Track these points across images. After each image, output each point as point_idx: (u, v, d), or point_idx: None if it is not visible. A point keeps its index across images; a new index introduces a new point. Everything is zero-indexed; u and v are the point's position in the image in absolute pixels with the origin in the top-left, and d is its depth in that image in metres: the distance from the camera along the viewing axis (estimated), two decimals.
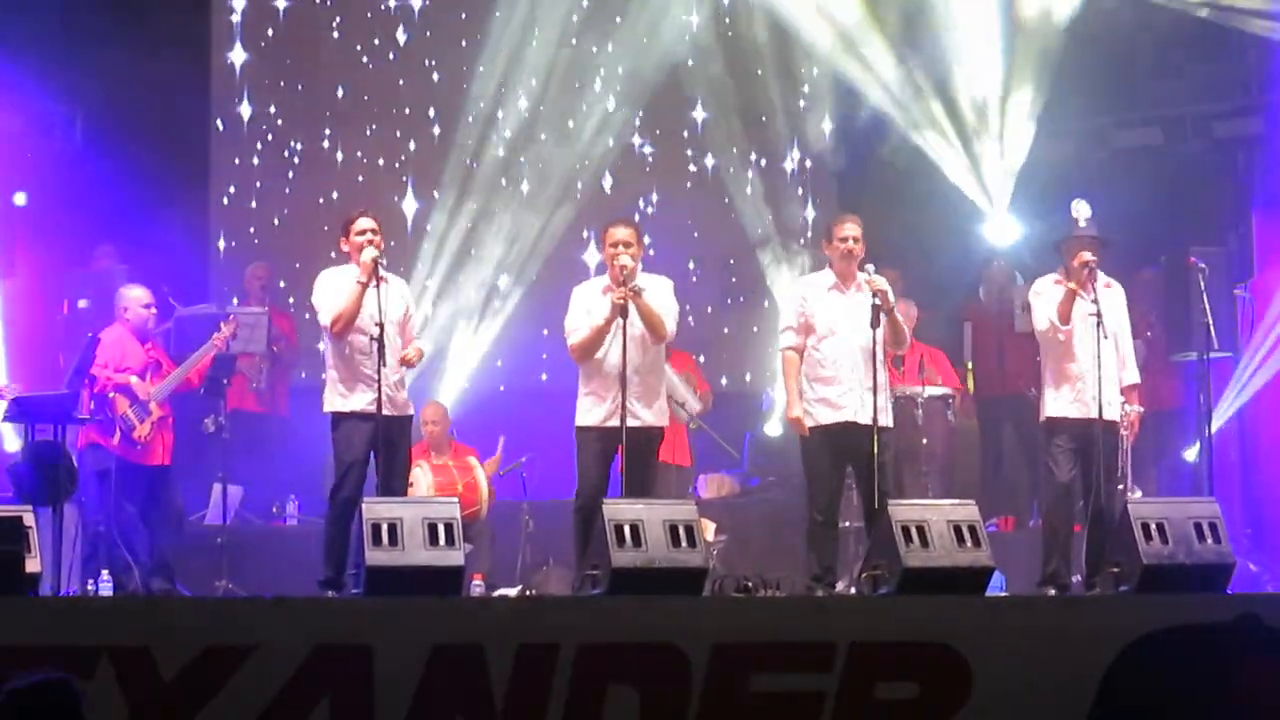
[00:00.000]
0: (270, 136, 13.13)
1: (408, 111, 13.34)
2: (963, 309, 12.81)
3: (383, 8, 13.37)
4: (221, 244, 12.87)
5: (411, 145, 13.31)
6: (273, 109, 13.15)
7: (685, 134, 13.70)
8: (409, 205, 13.14)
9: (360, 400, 8.74)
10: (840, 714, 7.41)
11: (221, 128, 13.13)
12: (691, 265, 13.48)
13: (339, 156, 13.21)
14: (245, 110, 13.11)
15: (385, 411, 8.63)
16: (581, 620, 7.47)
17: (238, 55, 13.09)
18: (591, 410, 8.81)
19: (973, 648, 7.56)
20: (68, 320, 11.43)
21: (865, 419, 8.76)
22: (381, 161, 13.24)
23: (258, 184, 13.14)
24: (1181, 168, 12.60)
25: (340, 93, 13.27)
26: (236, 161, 13.14)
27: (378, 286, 8.75)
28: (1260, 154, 12.25)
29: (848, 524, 9.94)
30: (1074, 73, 12.61)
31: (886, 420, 8.85)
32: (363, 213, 9.04)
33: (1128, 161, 12.74)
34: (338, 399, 8.83)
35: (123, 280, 10.72)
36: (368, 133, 13.29)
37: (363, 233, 8.86)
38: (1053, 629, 7.76)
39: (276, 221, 13.11)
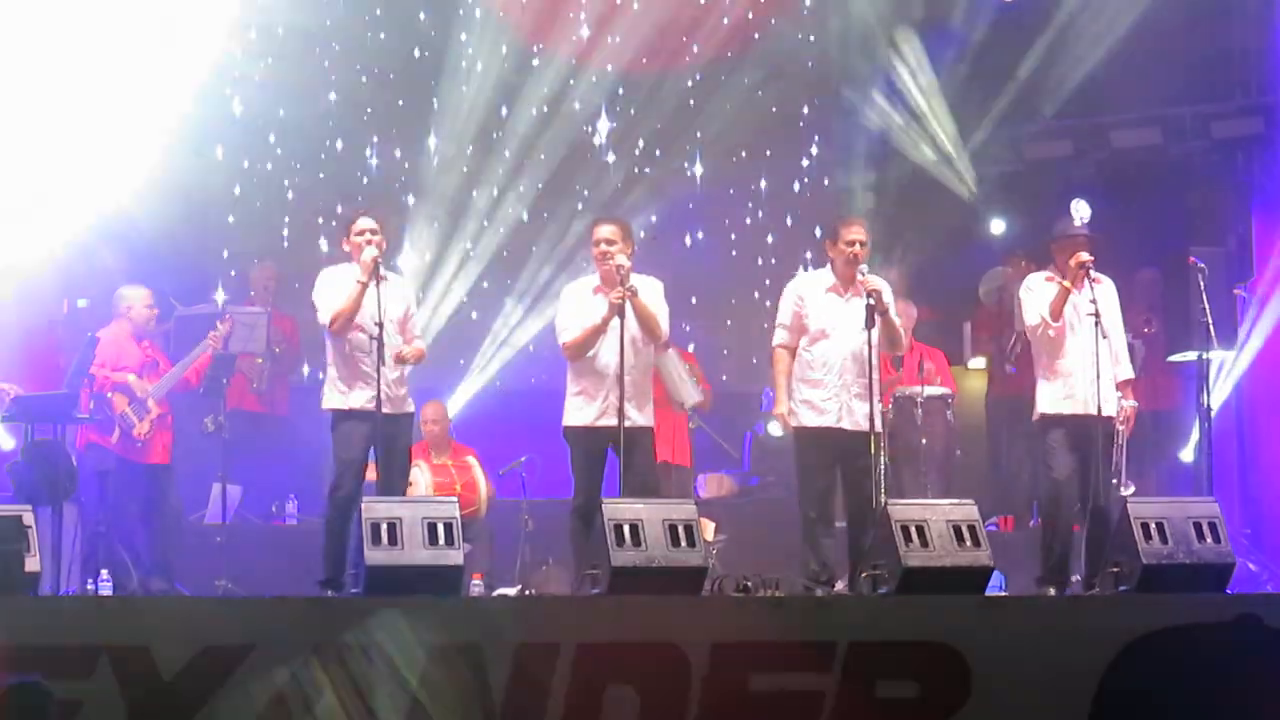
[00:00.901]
0: (269, 166, 13.09)
1: (406, 131, 13.30)
2: (963, 309, 12.84)
3: (381, 35, 13.28)
4: (220, 295, 12.56)
5: (407, 167, 13.27)
6: (272, 138, 13.09)
7: (687, 146, 13.68)
8: (406, 223, 13.07)
9: (359, 398, 8.75)
10: (840, 713, 7.41)
11: (221, 156, 13.09)
12: (691, 265, 13.47)
13: (337, 180, 13.15)
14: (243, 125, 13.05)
15: (384, 410, 8.64)
16: (581, 620, 7.47)
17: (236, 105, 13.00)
18: (581, 410, 8.80)
19: (972, 647, 7.57)
20: (67, 320, 11.42)
21: (849, 425, 8.76)
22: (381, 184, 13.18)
23: (258, 204, 13.11)
24: (1181, 168, 12.60)
25: (338, 114, 13.20)
26: (237, 191, 13.10)
27: (378, 285, 8.76)
28: (1260, 154, 12.25)
29: (841, 524, 9.93)
30: (1073, 72, 12.62)
31: (878, 425, 8.86)
32: (363, 212, 9.06)
33: (1128, 161, 12.74)
34: (337, 397, 8.84)
35: (123, 280, 10.73)
36: (368, 154, 13.25)
37: (361, 233, 8.87)
38: (1053, 629, 7.77)
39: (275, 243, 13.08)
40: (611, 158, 13.47)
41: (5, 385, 9.91)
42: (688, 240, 13.59)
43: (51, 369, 10.93)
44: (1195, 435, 10.86)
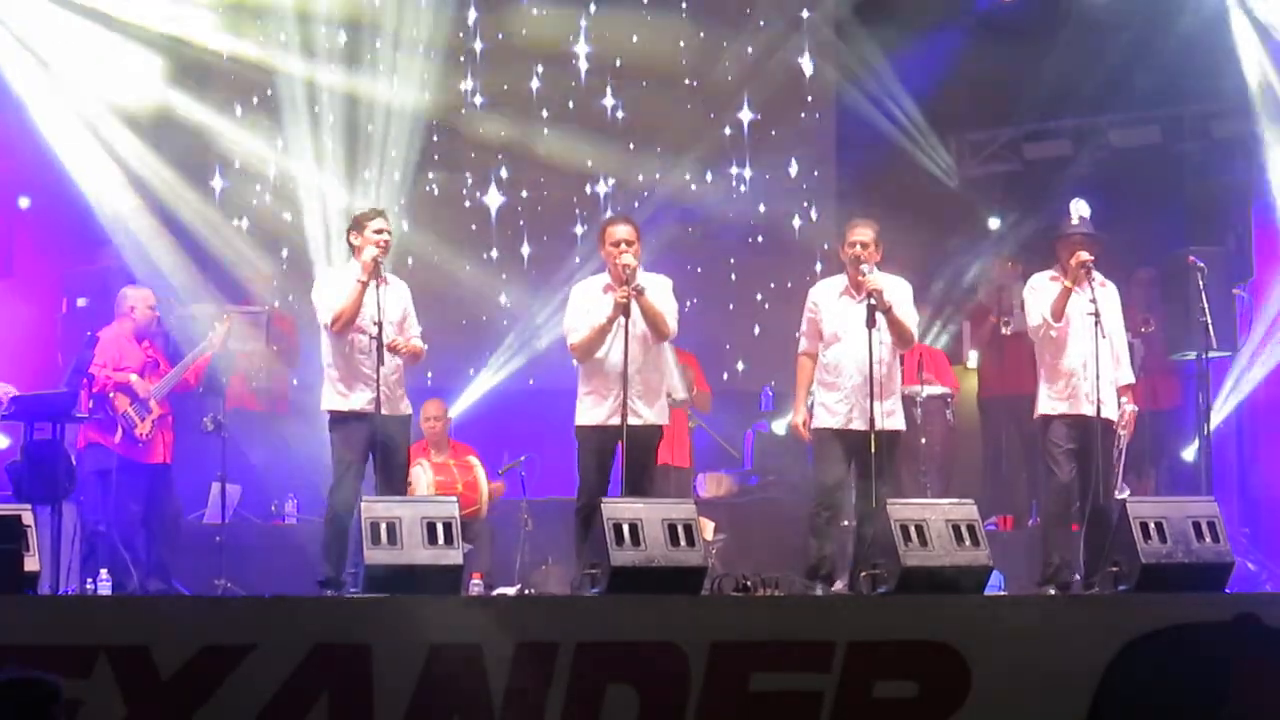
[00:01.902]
0: (269, 199, 13.09)
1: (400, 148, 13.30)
2: (962, 308, 12.83)
3: (377, 44, 13.29)
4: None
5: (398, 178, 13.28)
6: (273, 170, 13.10)
7: (686, 141, 13.70)
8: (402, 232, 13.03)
9: (359, 399, 8.74)
10: (839, 713, 7.41)
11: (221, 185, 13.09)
12: (691, 266, 13.50)
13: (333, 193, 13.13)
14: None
15: (383, 411, 8.64)
16: (580, 619, 7.46)
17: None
18: (592, 409, 8.80)
19: (971, 647, 7.56)
20: (66, 319, 11.43)
21: (862, 426, 8.75)
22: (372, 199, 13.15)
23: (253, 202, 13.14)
24: (1181, 168, 12.60)
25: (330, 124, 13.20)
26: (236, 224, 13.09)
27: (378, 287, 8.76)
28: (1259, 154, 12.24)
29: (848, 523, 9.94)
30: (1073, 72, 12.62)
31: (897, 424, 8.87)
32: (379, 212, 9.00)
33: (1127, 161, 12.74)
34: (336, 398, 8.83)
35: (124, 279, 10.73)
36: (365, 175, 13.24)
37: (380, 231, 8.83)
38: (1052, 628, 7.77)
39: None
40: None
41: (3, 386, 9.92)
42: (689, 222, 13.63)
43: (51, 369, 10.95)
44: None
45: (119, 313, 10.28)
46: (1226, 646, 7.70)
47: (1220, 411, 11.48)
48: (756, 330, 13.52)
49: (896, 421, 8.90)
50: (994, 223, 13.26)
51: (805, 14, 13.68)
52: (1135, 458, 10.47)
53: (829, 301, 9.01)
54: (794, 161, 13.77)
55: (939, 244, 13.20)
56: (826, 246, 13.15)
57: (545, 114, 13.43)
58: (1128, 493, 9.85)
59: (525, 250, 13.40)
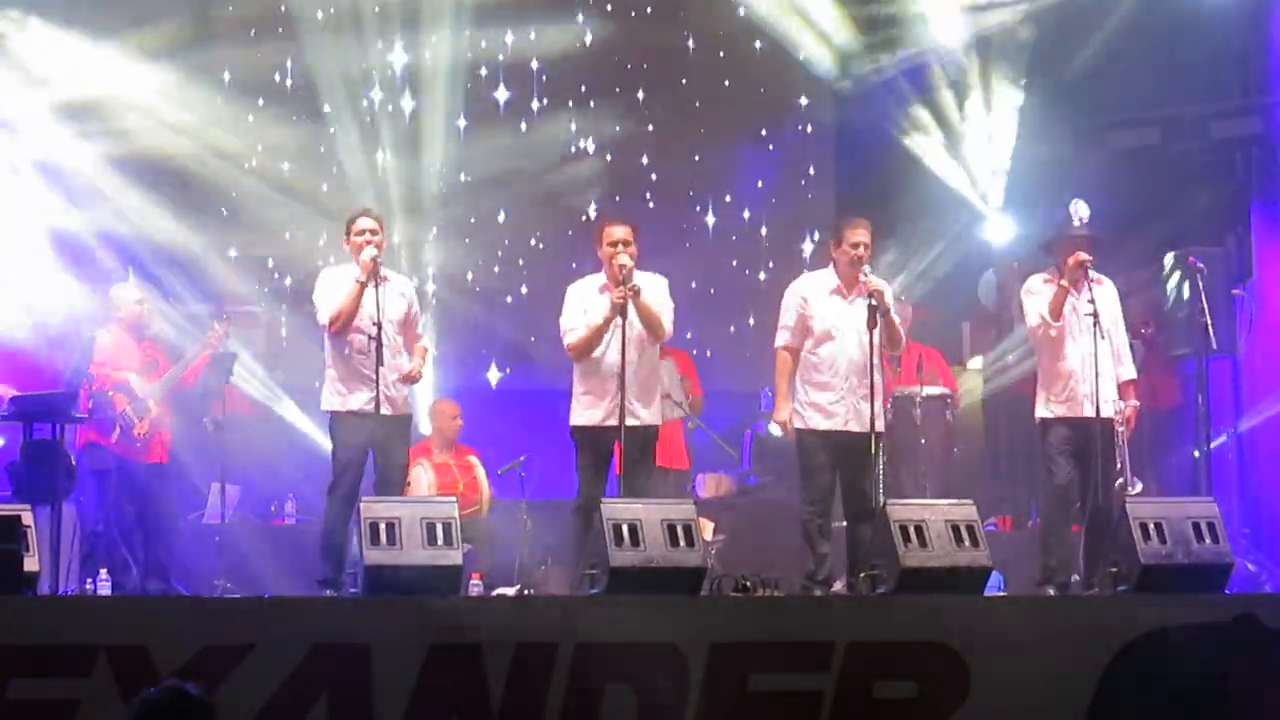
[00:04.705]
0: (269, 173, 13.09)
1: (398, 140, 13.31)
2: (963, 309, 12.82)
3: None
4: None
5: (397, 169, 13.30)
6: (287, 166, 13.06)
7: (686, 147, 13.71)
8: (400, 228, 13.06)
9: (358, 399, 8.75)
10: (838, 713, 7.42)
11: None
12: (690, 263, 13.48)
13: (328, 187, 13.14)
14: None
15: (383, 411, 8.65)
16: (579, 620, 7.46)
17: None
18: (588, 410, 8.80)
19: (971, 647, 7.57)
20: (67, 320, 11.40)
21: (857, 427, 8.75)
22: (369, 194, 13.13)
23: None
24: (1180, 168, 12.59)
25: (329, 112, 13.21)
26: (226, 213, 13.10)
27: (377, 286, 8.76)
28: (1258, 154, 12.23)
29: (839, 524, 9.93)
30: (1072, 72, 12.61)
31: (880, 425, 8.86)
32: (364, 212, 9.08)
33: (1127, 161, 12.73)
34: (336, 398, 8.85)
35: (121, 279, 10.73)
36: (359, 141, 13.24)
37: (362, 233, 8.88)
38: (1051, 629, 7.77)
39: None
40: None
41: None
42: (688, 220, 13.62)
43: (50, 369, 10.93)
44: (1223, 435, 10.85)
45: (109, 314, 10.29)
46: (1226, 647, 7.70)
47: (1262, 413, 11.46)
48: (763, 304, 13.54)
49: (881, 423, 8.88)
50: (996, 224, 13.24)
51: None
52: (1135, 457, 10.45)
53: (819, 298, 8.97)
54: (794, 160, 13.76)
55: (938, 244, 13.20)
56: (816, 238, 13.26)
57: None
58: (1139, 487, 9.80)
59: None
